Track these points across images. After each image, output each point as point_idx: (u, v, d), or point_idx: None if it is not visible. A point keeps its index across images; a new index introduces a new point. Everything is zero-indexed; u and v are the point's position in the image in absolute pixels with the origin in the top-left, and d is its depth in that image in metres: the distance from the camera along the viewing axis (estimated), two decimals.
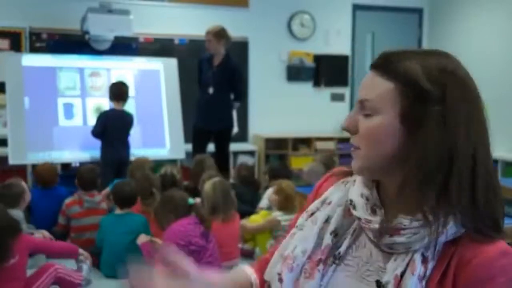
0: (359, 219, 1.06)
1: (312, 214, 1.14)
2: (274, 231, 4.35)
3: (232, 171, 6.19)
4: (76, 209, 4.46)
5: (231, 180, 5.66)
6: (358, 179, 1.11)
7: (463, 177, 0.96)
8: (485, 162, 0.98)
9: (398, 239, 0.98)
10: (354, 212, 1.07)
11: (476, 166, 0.96)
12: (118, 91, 5.44)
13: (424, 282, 0.96)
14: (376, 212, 1.05)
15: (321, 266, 1.07)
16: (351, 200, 1.08)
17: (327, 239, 1.09)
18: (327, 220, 1.11)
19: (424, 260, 0.96)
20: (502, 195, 1.01)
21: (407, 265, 0.97)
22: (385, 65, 1.01)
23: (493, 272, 0.93)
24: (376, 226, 1.01)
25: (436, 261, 0.97)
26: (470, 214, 0.96)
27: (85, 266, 3.74)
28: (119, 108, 5.42)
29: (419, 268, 0.96)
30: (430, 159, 0.95)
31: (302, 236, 1.11)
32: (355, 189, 1.10)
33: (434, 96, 0.96)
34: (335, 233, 1.09)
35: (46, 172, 4.87)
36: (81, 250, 3.68)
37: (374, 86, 1.02)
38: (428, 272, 0.96)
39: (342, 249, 1.08)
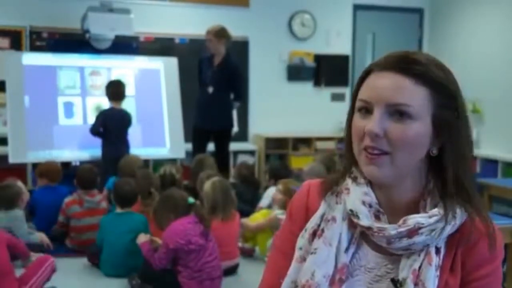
0: (369, 229, 1.04)
1: (314, 232, 1.11)
2: (274, 230, 4.35)
3: (232, 171, 6.19)
4: (76, 208, 4.46)
5: (231, 180, 5.66)
6: (352, 187, 1.09)
7: (468, 170, 1.07)
8: (464, 153, 1.08)
9: (418, 238, 1.01)
10: (361, 223, 1.05)
11: (463, 154, 1.06)
12: (116, 90, 5.45)
13: (438, 271, 1.02)
14: (380, 218, 1.05)
15: (343, 286, 1.07)
16: (351, 210, 1.07)
17: (343, 258, 1.07)
18: (340, 239, 1.09)
19: (438, 251, 1.03)
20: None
21: (423, 259, 1.02)
22: (415, 69, 1.01)
23: (496, 252, 1.06)
24: (393, 232, 1.01)
25: (445, 250, 1.05)
26: (471, 201, 1.05)
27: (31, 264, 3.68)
28: (117, 107, 5.42)
29: (434, 259, 1.02)
30: (464, 159, 1.05)
31: (319, 260, 1.07)
32: (352, 198, 1.08)
33: (457, 101, 1.05)
34: (347, 249, 1.08)
35: (51, 170, 4.88)
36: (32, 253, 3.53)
37: (409, 92, 1.01)
38: (440, 262, 1.03)
39: (348, 259, 1.08)
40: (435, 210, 1.02)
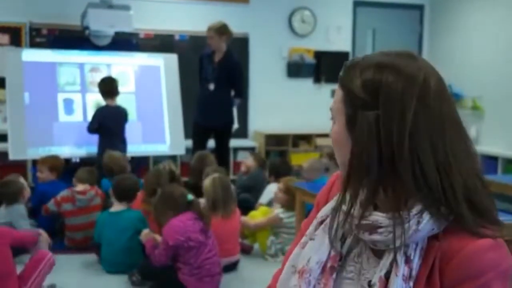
0: (347, 214, 1.05)
1: (322, 222, 1.12)
2: (275, 228, 4.35)
3: (231, 167, 6.19)
4: (69, 206, 4.41)
5: (231, 176, 5.67)
6: None
7: (410, 171, 0.94)
8: (437, 157, 0.95)
9: (376, 237, 0.98)
10: (344, 208, 1.05)
11: (426, 161, 0.94)
12: (110, 87, 5.44)
13: (411, 283, 0.95)
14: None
15: (334, 275, 1.06)
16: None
17: (337, 246, 1.07)
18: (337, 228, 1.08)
19: (407, 260, 0.95)
20: (482, 193, 0.99)
21: (391, 265, 0.96)
22: (340, 77, 1.05)
23: (481, 267, 0.92)
24: (356, 221, 1.01)
25: (421, 259, 0.96)
26: (451, 208, 0.95)
27: (43, 245, 3.70)
28: (113, 104, 5.42)
29: (402, 268, 0.95)
30: (364, 156, 0.96)
31: (315, 246, 1.09)
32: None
33: (368, 103, 0.97)
34: (344, 239, 1.08)
35: (58, 165, 4.93)
36: (40, 235, 3.51)
37: (335, 95, 1.06)
38: (414, 272, 0.95)
39: (344, 249, 1.07)
40: (396, 214, 0.97)
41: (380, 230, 0.97)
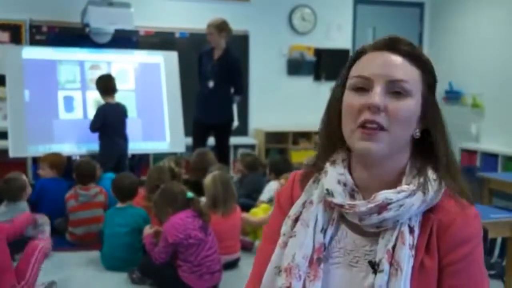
0: (341, 206, 1.07)
1: (296, 219, 1.14)
2: None
3: (232, 165, 6.19)
4: (72, 203, 4.46)
5: (231, 174, 5.67)
6: (330, 169, 1.12)
7: (452, 152, 1.11)
8: (446, 135, 1.11)
9: (387, 214, 1.03)
10: (334, 200, 1.08)
11: (446, 136, 1.10)
12: (108, 85, 5.42)
13: (413, 251, 1.03)
14: (354, 196, 1.08)
15: (322, 265, 1.09)
16: (327, 190, 1.10)
17: (320, 238, 1.10)
18: (316, 220, 1.12)
19: (411, 230, 1.04)
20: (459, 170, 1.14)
21: (396, 238, 1.03)
22: (405, 49, 1.08)
23: (471, 233, 1.06)
24: (363, 208, 1.04)
25: (420, 230, 1.05)
26: (449, 180, 1.08)
27: (47, 228, 3.71)
28: (113, 101, 5.41)
29: (408, 238, 1.03)
30: (447, 141, 1.10)
31: (298, 242, 1.11)
32: (329, 179, 1.11)
33: (436, 87, 1.11)
34: (324, 230, 1.11)
35: (61, 162, 4.96)
36: (38, 216, 3.55)
37: (404, 70, 1.06)
38: (415, 241, 1.04)
39: (326, 240, 1.10)
40: (404, 186, 1.05)
41: (390, 206, 1.03)
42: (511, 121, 6.55)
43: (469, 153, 6.88)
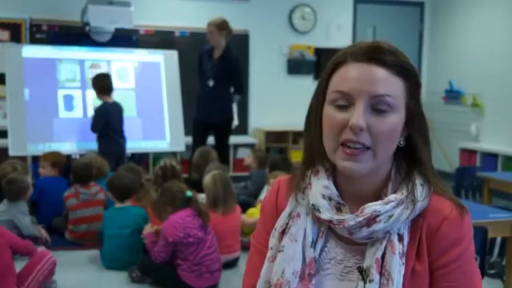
0: (330, 221, 1.04)
1: (283, 231, 1.11)
2: None
3: (231, 164, 6.19)
4: (73, 201, 4.45)
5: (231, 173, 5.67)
6: (314, 181, 1.08)
7: (426, 148, 1.08)
8: (428, 137, 1.09)
9: (377, 226, 1.00)
10: (322, 216, 1.05)
11: (428, 138, 1.08)
12: (105, 84, 5.40)
13: (404, 259, 1.01)
14: (341, 209, 1.05)
15: (313, 281, 1.07)
16: (313, 205, 1.06)
17: (310, 252, 1.07)
18: (305, 234, 1.08)
19: (401, 238, 1.02)
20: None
21: (386, 247, 1.01)
22: (387, 60, 1.01)
23: (461, 234, 1.04)
24: (351, 222, 1.01)
25: (409, 236, 1.03)
26: (437, 182, 1.07)
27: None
28: (110, 100, 5.40)
29: (397, 246, 1.01)
30: (429, 145, 1.08)
31: (287, 257, 1.07)
32: (314, 192, 1.07)
33: (420, 89, 1.07)
34: (314, 243, 1.08)
35: (61, 161, 4.96)
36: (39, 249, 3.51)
37: (388, 83, 1.00)
38: (405, 249, 1.02)
39: (316, 253, 1.08)
40: (392, 196, 1.02)
41: (379, 218, 1.00)
42: (511, 121, 6.55)
43: (469, 153, 6.88)
